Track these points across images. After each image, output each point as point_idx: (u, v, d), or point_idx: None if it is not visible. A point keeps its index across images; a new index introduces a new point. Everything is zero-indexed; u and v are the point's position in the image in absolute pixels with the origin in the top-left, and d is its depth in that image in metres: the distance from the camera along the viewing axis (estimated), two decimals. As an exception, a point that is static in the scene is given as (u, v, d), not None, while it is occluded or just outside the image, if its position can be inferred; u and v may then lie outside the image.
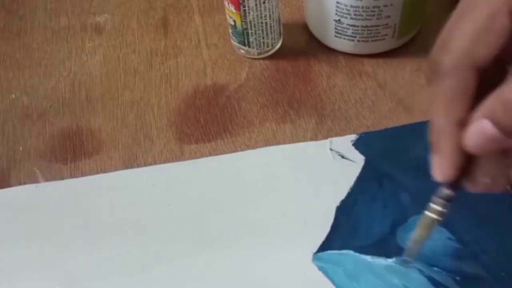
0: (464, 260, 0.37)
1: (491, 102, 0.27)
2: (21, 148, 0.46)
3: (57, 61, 0.52)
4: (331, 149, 0.43)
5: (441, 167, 0.30)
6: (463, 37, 0.28)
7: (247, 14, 0.46)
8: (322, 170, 0.42)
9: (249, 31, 0.47)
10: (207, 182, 0.42)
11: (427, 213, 0.32)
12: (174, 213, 0.41)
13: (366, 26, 0.46)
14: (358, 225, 0.39)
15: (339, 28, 0.47)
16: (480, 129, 0.27)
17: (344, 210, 0.40)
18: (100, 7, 0.56)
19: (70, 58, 0.52)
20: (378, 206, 0.40)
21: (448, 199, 0.31)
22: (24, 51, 0.53)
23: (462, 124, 0.28)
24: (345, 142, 0.43)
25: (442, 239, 0.36)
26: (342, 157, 0.42)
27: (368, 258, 0.37)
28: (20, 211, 0.42)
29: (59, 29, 0.54)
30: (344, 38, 0.47)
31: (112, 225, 0.41)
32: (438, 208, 0.31)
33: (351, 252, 0.38)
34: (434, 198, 0.31)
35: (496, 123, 0.26)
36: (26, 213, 0.42)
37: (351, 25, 0.46)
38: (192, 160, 0.43)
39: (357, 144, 0.43)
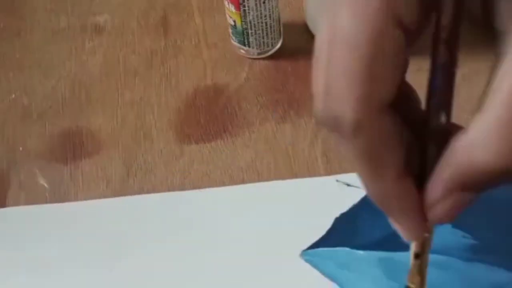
0: (481, 252, 0.36)
1: (452, 168, 0.21)
2: (21, 148, 0.46)
3: (57, 61, 0.52)
4: (337, 180, 0.42)
5: (406, 232, 0.25)
6: (350, 78, 0.20)
7: (247, 14, 0.46)
8: (326, 198, 0.41)
9: (249, 31, 0.47)
10: (204, 213, 0.41)
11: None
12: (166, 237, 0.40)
13: (366, 26, 0.46)
14: (357, 230, 0.38)
15: (339, 28, 0.47)
16: (454, 205, 0.22)
17: (344, 218, 0.39)
18: (100, 7, 0.56)
19: (70, 58, 0.52)
20: (383, 217, 0.39)
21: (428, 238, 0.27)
22: (24, 51, 0.53)
23: (407, 171, 0.22)
24: (352, 176, 0.41)
25: (457, 238, 0.35)
26: (348, 185, 0.41)
27: (361, 252, 0.37)
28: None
29: (59, 29, 0.54)
30: (344, 38, 0.47)
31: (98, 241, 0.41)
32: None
33: (346, 248, 0.37)
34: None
35: (469, 189, 0.21)
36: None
37: (351, 25, 0.46)
38: (198, 190, 0.42)
39: None
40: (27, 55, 0.53)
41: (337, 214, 0.39)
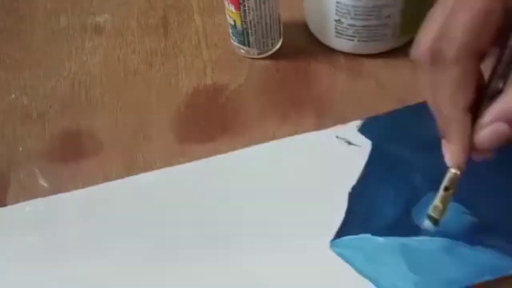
0: (482, 232, 0.36)
1: (502, 105, 0.31)
2: (21, 149, 0.46)
3: (57, 61, 0.52)
4: (337, 137, 0.43)
5: (453, 154, 0.33)
6: (464, 27, 0.30)
7: (247, 14, 0.46)
8: (329, 158, 0.42)
9: (249, 31, 0.47)
10: (212, 183, 0.42)
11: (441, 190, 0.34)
12: (180, 216, 0.41)
13: (366, 26, 0.46)
14: (372, 209, 0.39)
15: (339, 28, 0.47)
16: (496, 130, 0.31)
17: (356, 195, 0.40)
18: (100, 7, 0.56)
19: (70, 58, 0.52)
20: (390, 188, 0.40)
21: (459, 176, 0.34)
22: (24, 51, 0.53)
23: (469, 110, 0.32)
24: (350, 129, 0.43)
25: (457, 214, 0.36)
26: (349, 143, 0.42)
27: (382, 239, 0.37)
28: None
29: (59, 29, 0.54)
30: (344, 38, 0.47)
31: (113, 229, 0.41)
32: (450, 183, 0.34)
33: (368, 235, 0.38)
34: (447, 174, 0.34)
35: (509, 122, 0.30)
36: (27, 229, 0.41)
37: (351, 25, 0.46)
38: (194, 162, 0.43)
39: (362, 130, 0.43)
40: (27, 55, 0.53)
41: (339, 168, 0.41)
